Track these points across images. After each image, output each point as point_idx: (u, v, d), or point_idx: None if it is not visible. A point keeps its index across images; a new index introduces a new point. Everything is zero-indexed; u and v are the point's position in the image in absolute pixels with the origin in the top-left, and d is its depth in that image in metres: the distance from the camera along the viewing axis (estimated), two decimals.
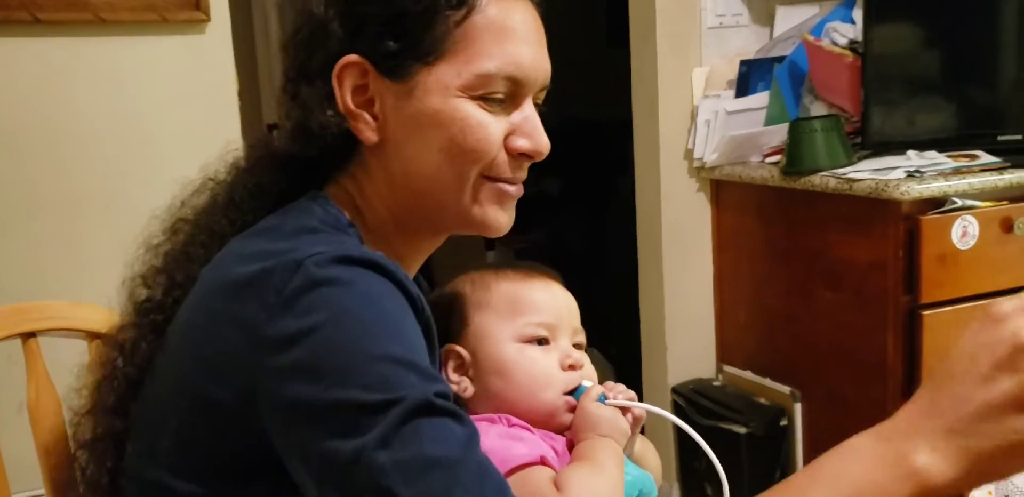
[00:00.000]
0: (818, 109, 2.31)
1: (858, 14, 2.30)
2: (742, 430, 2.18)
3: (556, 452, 0.88)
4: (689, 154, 2.40)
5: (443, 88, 0.83)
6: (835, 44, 2.27)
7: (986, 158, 2.06)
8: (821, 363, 2.15)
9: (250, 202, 0.90)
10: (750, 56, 2.42)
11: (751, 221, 2.33)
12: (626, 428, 0.91)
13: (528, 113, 0.87)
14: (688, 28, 2.38)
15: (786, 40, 2.41)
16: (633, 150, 2.49)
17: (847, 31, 2.29)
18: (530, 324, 0.94)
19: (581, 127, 4.79)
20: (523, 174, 0.89)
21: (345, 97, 0.85)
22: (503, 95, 0.85)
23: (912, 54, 2.22)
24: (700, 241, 2.43)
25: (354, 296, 0.74)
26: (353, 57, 0.84)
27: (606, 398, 0.92)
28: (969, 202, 1.97)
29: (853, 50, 2.22)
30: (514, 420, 0.90)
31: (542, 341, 0.94)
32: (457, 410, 0.73)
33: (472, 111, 0.84)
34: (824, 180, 2.05)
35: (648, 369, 2.51)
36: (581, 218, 4.21)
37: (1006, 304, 0.64)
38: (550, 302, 0.96)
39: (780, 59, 2.37)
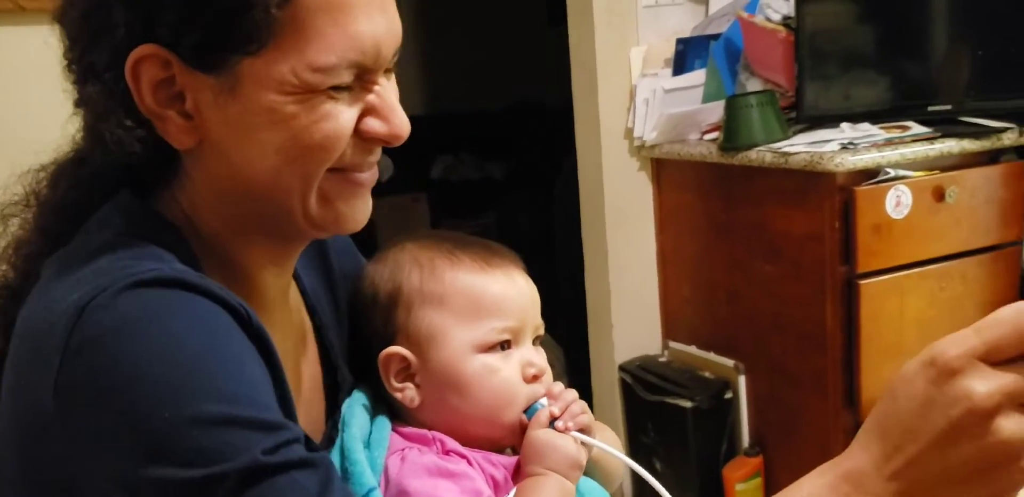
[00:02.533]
0: (754, 85, 2.33)
1: None
2: (688, 404, 2.21)
3: (497, 484, 0.81)
4: (629, 133, 2.41)
5: (275, 83, 0.68)
6: (769, 20, 2.29)
7: (917, 129, 2.09)
8: (763, 335, 2.18)
9: (65, 226, 0.77)
10: (686, 34, 2.43)
11: (692, 198, 2.35)
12: (578, 458, 0.82)
13: (385, 94, 0.74)
14: (625, 7, 2.38)
15: (721, 17, 2.43)
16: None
17: (780, 7, 2.31)
18: (494, 329, 0.83)
19: (526, 110, 4.80)
20: (375, 158, 0.76)
21: (144, 96, 0.70)
22: (352, 78, 0.71)
23: (844, 29, 2.24)
24: (643, 219, 2.45)
25: (151, 343, 0.63)
26: (148, 48, 0.68)
27: (554, 419, 0.83)
28: (902, 172, 2.00)
29: (786, 26, 2.24)
30: (450, 444, 0.81)
31: (504, 345, 0.85)
32: (301, 456, 0.64)
33: (314, 104, 0.70)
34: (760, 155, 2.08)
35: (595, 348, 2.52)
36: (528, 200, 4.22)
37: (951, 350, 0.60)
38: (516, 299, 0.85)
39: (716, 37, 2.38)
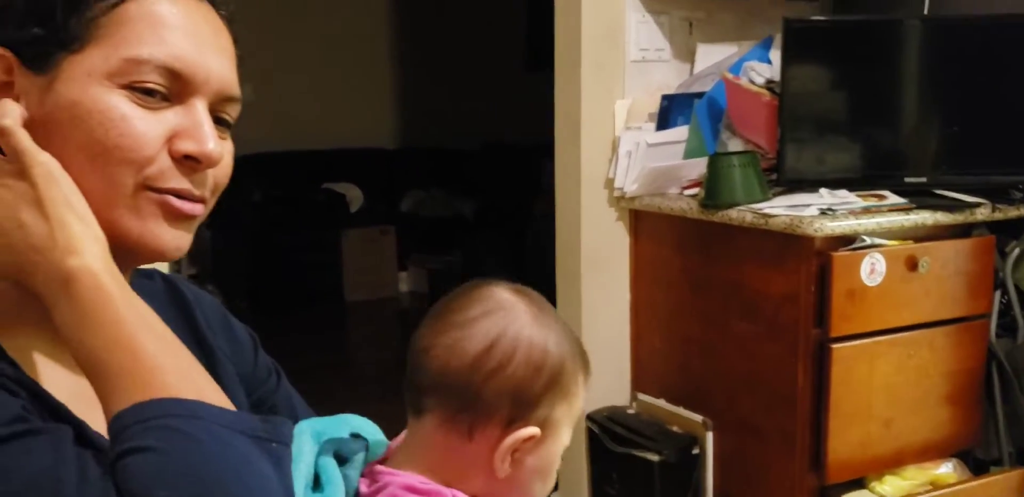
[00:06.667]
0: (735, 144, 2.38)
1: (775, 55, 2.38)
2: (655, 458, 2.22)
3: None
4: (610, 183, 2.44)
5: (85, 75, 0.72)
6: (752, 82, 2.35)
7: (894, 199, 2.15)
8: (733, 392, 2.21)
9: None
10: (671, 90, 2.48)
11: (669, 251, 2.38)
12: None
13: (197, 117, 0.75)
14: (612, 60, 2.43)
15: (706, 77, 2.48)
16: (548, 171, 2.53)
17: (764, 71, 2.37)
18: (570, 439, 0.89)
19: (497, 150, 4.84)
20: (202, 191, 0.77)
21: None
22: (162, 88, 0.74)
23: (827, 96, 2.30)
24: (618, 269, 2.47)
25: None
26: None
27: None
28: (878, 240, 2.06)
29: (770, 89, 2.30)
30: None
31: None
32: (30, 427, 0.65)
33: (116, 102, 0.72)
34: (741, 214, 2.12)
35: None
36: (496, 239, 4.24)
37: None
38: None
39: (700, 95, 2.43)
